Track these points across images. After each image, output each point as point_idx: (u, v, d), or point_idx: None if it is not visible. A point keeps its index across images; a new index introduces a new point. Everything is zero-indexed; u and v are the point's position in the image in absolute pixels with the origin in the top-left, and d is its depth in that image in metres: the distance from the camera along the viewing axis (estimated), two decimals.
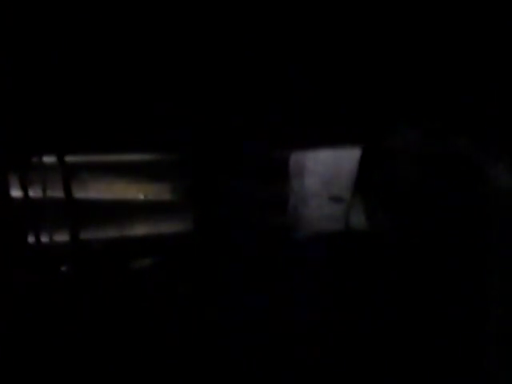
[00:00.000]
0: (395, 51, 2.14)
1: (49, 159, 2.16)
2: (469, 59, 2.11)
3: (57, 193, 2.16)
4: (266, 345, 2.10)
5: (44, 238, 2.15)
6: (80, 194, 2.19)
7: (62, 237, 2.17)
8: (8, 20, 1.97)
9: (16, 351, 1.99)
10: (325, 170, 2.29)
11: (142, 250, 2.22)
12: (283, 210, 2.30)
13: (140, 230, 2.24)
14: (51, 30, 2.02)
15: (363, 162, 2.25)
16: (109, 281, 2.16)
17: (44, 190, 2.15)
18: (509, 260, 1.96)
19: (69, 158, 2.16)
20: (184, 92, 2.13)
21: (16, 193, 2.11)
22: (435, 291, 2.08)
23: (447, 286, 2.07)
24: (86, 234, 2.19)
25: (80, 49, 2.05)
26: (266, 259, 2.20)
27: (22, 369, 1.98)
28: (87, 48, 2.05)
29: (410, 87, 2.16)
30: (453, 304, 2.05)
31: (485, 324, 1.98)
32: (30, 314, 2.04)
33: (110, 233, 2.22)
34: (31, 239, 2.13)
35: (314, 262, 2.22)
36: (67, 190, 2.15)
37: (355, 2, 2.09)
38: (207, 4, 2.04)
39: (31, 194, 2.14)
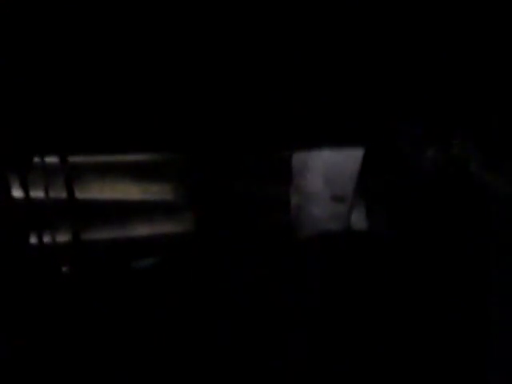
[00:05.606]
0: (397, 51, 2.13)
1: (50, 159, 2.18)
2: (469, 61, 2.09)
3: (58, 193, 2.18)
4: (265, 344, 2.11)
5: (45, 239, 2.17)
6: (81, 194, 2.20)
7: (63, 237, 2.19)
8: (8, 20, 1.99)
9: (16, 351, 2.01)
10: (327, 170, 2.28)
11: (142, 250, 2.24)
12: (286, 209, 2.30)
13: (141, 230, 2.25)
14: (52, 30, 2.03)
15: (365, 162, 2.24)
16: (110, 281, 2.18)
17: (46, 191, 2.17)
18: (508, 261, 1.95)
19: (70, 158, 2.18)
20: (184, 92, 2.14)
21: (17, 193, 2.13)
22: (435, 291, 2.08)
23: (447, 286, 2.07)
24: (88, 234, 2.21)
25: (81, 49, 2.07)
26: (267, 259, 2.21)
27: (22, 369, 2.00)
28: (88, 48, 2.07)
29: (412, 88, 2.15)
30: (452, 304, 2.05)
31: (484, 324, 1.98)
32: (31, 314, 2.06)
33: (111, 233, 2.23)
34: (33, 239, 2.15)
35: (316, 261, 2.22)
36: (69, 190, 2.17)
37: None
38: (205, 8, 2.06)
39: (32, 194, 2.16)
